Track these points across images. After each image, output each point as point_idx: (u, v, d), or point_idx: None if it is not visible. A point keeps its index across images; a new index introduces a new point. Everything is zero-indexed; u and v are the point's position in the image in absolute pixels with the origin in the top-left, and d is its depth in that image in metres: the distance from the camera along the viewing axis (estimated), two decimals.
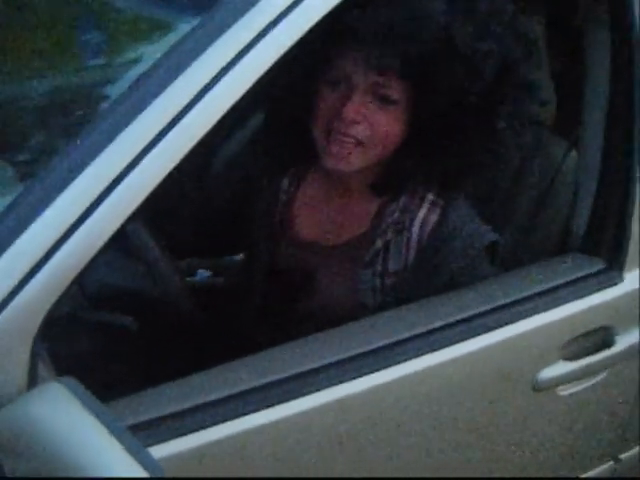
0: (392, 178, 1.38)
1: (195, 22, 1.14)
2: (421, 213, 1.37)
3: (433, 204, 1.37)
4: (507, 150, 1.40)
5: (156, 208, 1.07)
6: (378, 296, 1.37)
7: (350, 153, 1.30)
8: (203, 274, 1.85)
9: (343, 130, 1.28)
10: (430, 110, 1.30)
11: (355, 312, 1.35)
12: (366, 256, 1.38)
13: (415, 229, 1.36)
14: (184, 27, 1.31)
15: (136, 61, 1.47)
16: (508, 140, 1.37)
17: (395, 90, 1.28)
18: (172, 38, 1.33)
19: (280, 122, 1.43)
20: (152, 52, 1.42)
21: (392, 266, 1.37)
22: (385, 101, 1.29)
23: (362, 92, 1.28)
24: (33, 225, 0.99)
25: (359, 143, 1.29)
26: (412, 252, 1.36)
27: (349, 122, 1.28)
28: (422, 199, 1.38)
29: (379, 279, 1.37)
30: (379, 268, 1.37)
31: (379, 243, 1.37)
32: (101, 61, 1.65)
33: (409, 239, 1.36)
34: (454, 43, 1.24)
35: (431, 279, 1.35)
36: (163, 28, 1.47)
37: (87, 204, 1.01)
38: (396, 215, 1.38)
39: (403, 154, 1.34)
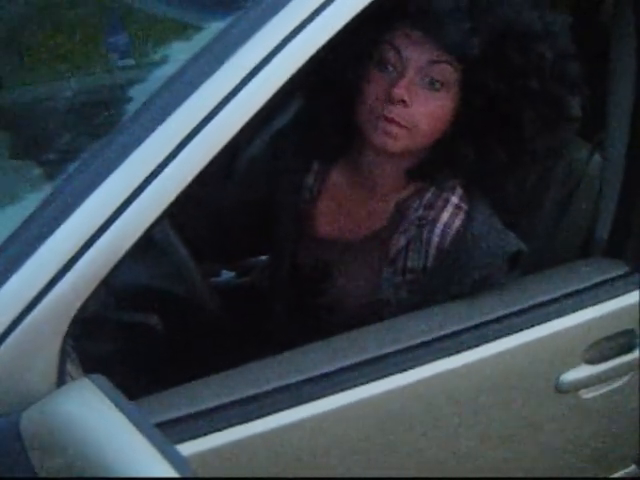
0: (430, 165, 1.38)
1: (222, 23, 1.15)
2: (444, 216, 1.37)
3: (457, 208, 1.37)
4: (536, 152, 1.40)
5: (180, 209, 1.08)
6: (399, 292, 1.38)
7: (396, 133, 1.30)
8: (227, 274, 1.86)
9: (392, 111, 1.28)
10: (479, 99, 1.30)
11: (376, 308, 1.36)
12: (390, 253, 1.38)
13: (437, 231, 1.36)
14: (211, 28, 1.33)
15: (163, 63, 1.48)
16: (540, 142, 1.37)
17: (447, 74, 1.29)
18: (199, 39, 1.35)
19: (319, 108, 1.42)
20: (179, 54, 1.44)
21: (411, 263, 1.37)
22: (435, 85, 1.29)
23: (413, 74, 1.28)
24: (62, 226, 1.01)
25: (406, 126, 1.29)
26: (432, 252, 1.36)
27: (397, 103, 1.27)
28: (446, 201, 1.38)
29: (400, 276, 1.38)
30: (400, 265, 1.38)
31: (403, 240, 1.38)
32: (128, 62, 1.66)
33: (430, 239, 1.36)
34: (515, 32, 1.26)
35: (451, 285, 1.35)
36: (189, 30, 1.48)
37: (115, 206, 1.02)
38: (420, 212, 1.38)
39: (445, 142, 1.34)
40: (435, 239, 1.36)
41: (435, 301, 1.34)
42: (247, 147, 1.78)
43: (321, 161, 1.49)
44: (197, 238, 1.56)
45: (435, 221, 1.36)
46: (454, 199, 1.38)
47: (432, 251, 1.36)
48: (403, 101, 1.27)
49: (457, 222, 1.36)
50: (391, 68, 1.30)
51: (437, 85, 1.29)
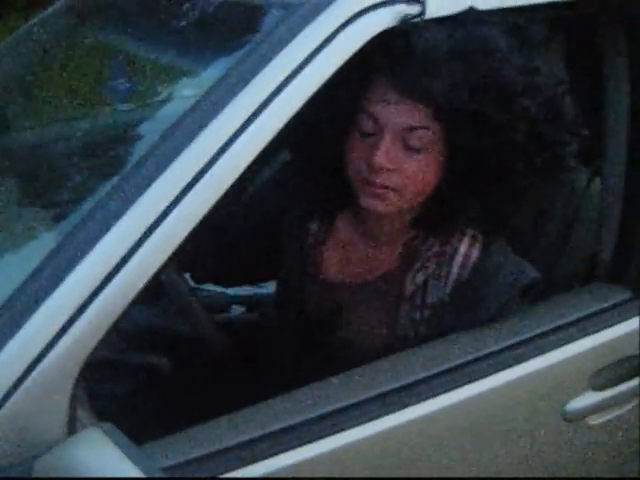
0: (432, 216, 1.37)
1: (215, 71, 1.18)
2: (462, 248, 1.37)
3: (473, 238, 1.38)
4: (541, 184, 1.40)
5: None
6: (418, 328, 1.38)
7: (385, 198, 1.30)
8: (237, 309, 1.88)
9: (375, 179, 1.28)
10: (466, 156, 1.28)
11: (395, 345, 1.36)
12: (406, 290, 1.39)
13: (456, 263, 1.36)
14: (204, 74, 1.36)
15: (160, 106, 1.51)
16: (544, 176, 1.37)
17: (426, 138, 1.27)
18: (193, 85, 1.38)
19: (310, 168, 1.43)
20: (177, 97, 1.47)
21: (430, 299, 1.38)
22: (416, 148, 1.27)
23: (392, 140, 1.26)
24: (73, 273, 1.03)
25: (393, 189, 1.29)
26: (450, 285, 1.36)
27: (379, 170, 1.27)
28: (463, 233, 1.38)
29: (418, 312, 1.38)
30: (418, 301, 1.38)
31: (420, 277, 1.38)
32: (128, 106, 1.69)
33: (448, 273, 1.36)
34: (495, 90, 1.23)
35: (470, 316, 1.35)
36: (184, 76, 1.51)
37: (123, 252, 1.05)
38: (436, 248, 1.38)
39: (440, 195, 1.33)
40: (455, 271, 1.36)
41: (453, 332, 1.34)
42: (255, 182, 1.80)
43: (322, 214, 1.49)
44: (199, 266, 1.57)
45: (454, 254, 1.37)
46: (469, 230, 1.38)
47: (451, 283, 1.36)
48: (384, 168, 1.26)
49: (475, 252, 1.37)
50: (370, 135, 1.28)
51: (418, 148, 1.27)
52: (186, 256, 1.46)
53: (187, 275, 1.62)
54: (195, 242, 1.43)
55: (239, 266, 1.58)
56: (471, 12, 1.25)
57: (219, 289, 1.82)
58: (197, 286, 1.68)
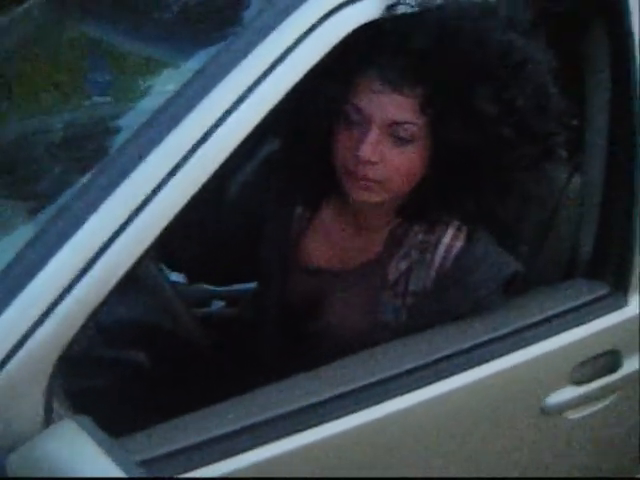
0: (418, 205, 1.37)
1: (195, 63, 1.17)
2: (446, 238, 1.37)
3: (458, 229, 1.38)
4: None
5: (169, 236, 1.09)
6: (400, 315, 1.39)
7: (370, 190, 1.30)
8: (217, 304, 1.87)
9: (360, 171, 1.28)
10: (453, 149, 1.28)
11: (377, 332, 1.37)
12: (389, 277, 1.39)
13: (440, 252, 1.37)
14: (184, 67, 1.35)
15: (140, 98, 1.51)
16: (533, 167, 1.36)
17: (412, 132, 1.27)
18: (173, 76, 1.37)
19: (297, 156, 1.43)
20: (157, 90, 1.46)
21: (412, 286, 1.38)
22: (402, 141, 1.27)
23: (378, 132, 1.26)
24: (48, 266, 1.02)
25: (379, 180, 1.29)
26: (432, 274, 1.37)
27: (365, 163, 1.27)
28: (447, 224, 1.38)
29: (400, 299, 1.39)
30: (401, 288, 1.39)
31: (404, 264, 1.39)
32: (107, 98, 1.68)
33: (431, 261, 1.37)
34: (481, 79, 1.23)
35: (451, 306, 1.36)
36: (164, 67, 1.50)
37: (101, 243, 1.04)
38: (420, 236, 1.39)
39: (426, 186, 1.34)
40: (437, 260, 1.37)
41: (434, 323, 1.35)
42: (236, 174, 1.80)
43: (306, 201, 1.50)
44: (187, 262, 1.57)
45: (437, 243, 1.37)
46: (454, 222, 1.38)
47: (433, 272, 1.37)
48: (369, 160, 1.27)
49: (458, 243, 1.37)
50: (357, 127, 1.28)
51: (404, 140, 1.27)
52: (177, 256, 1.47)
53: (180, 275, 1.62)
54: (186, 242, 1.44)
55: (231, 265, 1.57)
56: (455, 2, 1.24)
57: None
58: (177, 280, 1.68)
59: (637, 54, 1.45)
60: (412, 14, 1.22)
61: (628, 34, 1.45)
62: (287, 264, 1.49)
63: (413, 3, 1.22)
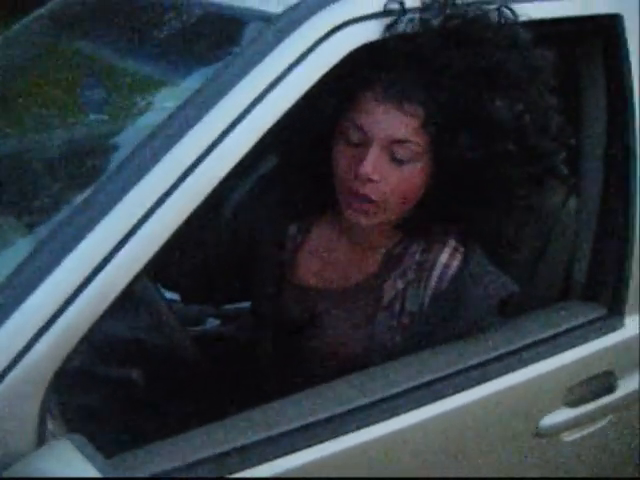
0: (418, 222, 1.37)
1: (193, 82, 1.17)
2: (443, 257, 1.37)
3: (454, 249, 1.38)
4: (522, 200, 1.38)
5: (163, 256, 1.09)
6: (395, 335, 1.38)
7: (369, 210, 1.30)
8: (213, 322, 1.86)
9: (360, 189, 1.28)
10: (452, 163, 1.28)
11: (372, 352, 1.37)
12: (384, 297, 1.39)
13: (436, 272, 1.36)
14: (182, 86, 1.36)
15: (137, 116, 1.51)
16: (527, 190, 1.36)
17: (412, 150, 1.27)
18: (171, 96, 1.38)
19: (292, 173, 1.43)
20: (155, 108, 1.47)
21: (408, 306, 1.38)
22: (403, 159, 1.27)
23: (378, 151, 1.26)
24: (45, 282, 1.02)
25: (377, 202, 1.29)
26: (429, 293, 1.36)
27: (365, 181, 1.27)
28: (444, 243, 1.38)
29: (396, 318, 1.38)
30: (397, 308, 1.38)
31: (400, 284, 1.38)
32: (103, 116, 1.69)
33: (428, 281, 1.36)
34: (482, 100, 1.23)
35: (447, 326, 1.35)
36: (162, 87, 1.51)
37: (96, 262, 1.04)
38: (417, 256, 1.38)
39: (427, 202, 1.33)
40: (434, 280, 1.36)
41: (429, 344, 1.34)
42: (231, 194, 1.80)
43: (301, 219, 1.49)
44: (180, 282, 1.57)
45: (434, 263, 1.37)
46: (451, 241, 1.38)
47: (429, 292, 1.36)
48: (370, 179, 1.26)
49: (455, 263, 1.36)
50: (358, 145, 1.28)
51: (405, 159, 1.27)
52: (171, 276, 1.47)
53: (175, 295, 1.62)
54: (182, 263, 1.44)
55: (225, 284, 1.57)
56: (458, 19, 1.25)
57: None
58: (172, 298, 1.67)
59: (633, 77, 1.46)
60: (413, 32, 1.23)
61: (624, 56, 1.46)
62: (281, 283, 1.49)
63: (413, 22, 1.23)
